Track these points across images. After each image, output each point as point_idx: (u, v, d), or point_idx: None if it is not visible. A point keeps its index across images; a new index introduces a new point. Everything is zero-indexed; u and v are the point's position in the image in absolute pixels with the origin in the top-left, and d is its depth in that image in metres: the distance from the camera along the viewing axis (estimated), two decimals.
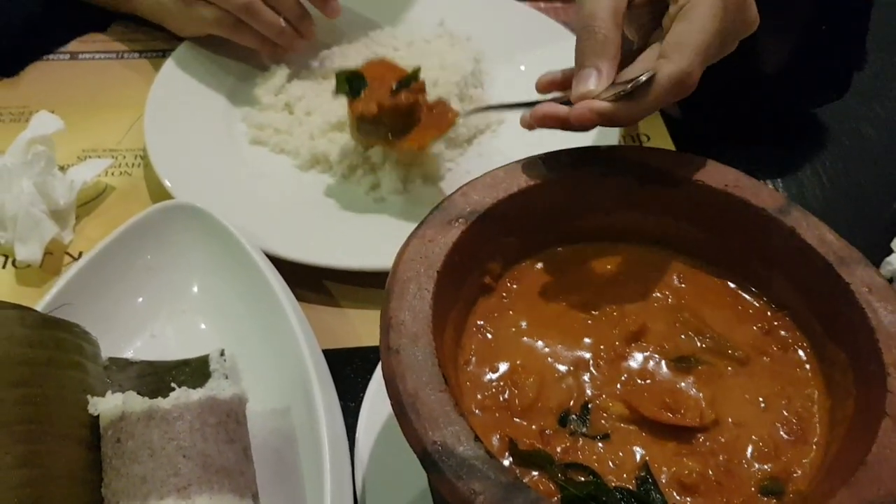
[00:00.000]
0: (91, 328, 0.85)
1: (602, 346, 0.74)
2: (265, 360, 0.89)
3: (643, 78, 0.76)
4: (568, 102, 0.79)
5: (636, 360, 0.74)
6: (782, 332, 0.77)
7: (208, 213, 0.97)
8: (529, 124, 0.83)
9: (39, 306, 0.87)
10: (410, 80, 1.07)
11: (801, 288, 0.76)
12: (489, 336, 0.75)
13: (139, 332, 0.95)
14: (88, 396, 0.78)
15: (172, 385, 0.78)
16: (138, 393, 0.77)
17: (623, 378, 0.73)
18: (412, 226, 0.74)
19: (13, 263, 1.05)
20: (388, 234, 1.05)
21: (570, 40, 1.34)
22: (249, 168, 1.17)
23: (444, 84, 1.22)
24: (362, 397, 0.87)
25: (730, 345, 0.75)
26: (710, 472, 0.66)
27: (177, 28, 1.31)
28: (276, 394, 0.87)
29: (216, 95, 1.26)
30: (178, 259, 0.98)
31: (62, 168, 1.12)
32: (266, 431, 0.84)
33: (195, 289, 0.98)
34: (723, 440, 0.69)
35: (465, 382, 0.71)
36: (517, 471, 0.65)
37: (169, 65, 1.27)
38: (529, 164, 0.79)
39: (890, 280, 0.96)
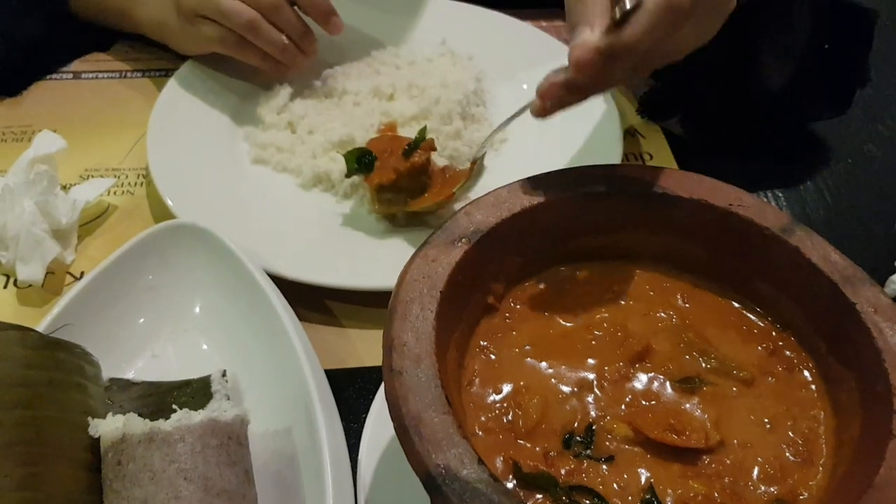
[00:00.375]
0: (92, 348, 0.85)
1: (606, 367, 0.74)
2: (267, 380, 0.89)
3: (628, 4, 0.76)
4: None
5: (640, 380, 0.74)
6: (787, 353, 0.76)
7: (210, 232, 0.96)
8: (541, 107, 0.83)
9: (41, 327, 0.87)
10: (420, 141, 1.08)
11: (806, 308, 0.75)
12: (492, 357, 0.75)
13: (140, 352, 0.94)
14: (89, 418, 0.77)
15: (174, 406, 0.77)
16: (139, 414, 0.76)
17: (627, 399, 0.72)
18: (415, 245, 0.73)
19: (15, 283, 1.05)
20: (391, 253, 1.06)
21: None
22: (252, 187, 1.17)
23: (445, 102, 1.23)
24: (364, 418, 0.87)
25: (734, 365, 0.75)
26: (716, 495, 0.66)
27: (180, 47, 1.31)
28: (278, 415, 0.86)
29: (219, 115, 1.26)
30: (180, 279, 0.97)
31: (64, 187, 1.12)
32: (268, 453, 0.84)
33: (197, 309, 0.98)
34: (728, 462, 0.68)
35: (469, 404, 0.71)
36: (521, 493, 0.65)
37: (172, 84, 1.27)
38: (532, 184, 0.79)
39: (894, 299, 0.95)
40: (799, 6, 1.12)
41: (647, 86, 1.32)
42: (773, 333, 0.78)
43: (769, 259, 0.76)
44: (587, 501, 0.65)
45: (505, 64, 1.36)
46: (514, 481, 0.66)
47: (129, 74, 1.38)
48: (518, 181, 0.79)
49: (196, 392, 0.86)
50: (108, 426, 0.76)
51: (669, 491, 0.66)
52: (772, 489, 0.67)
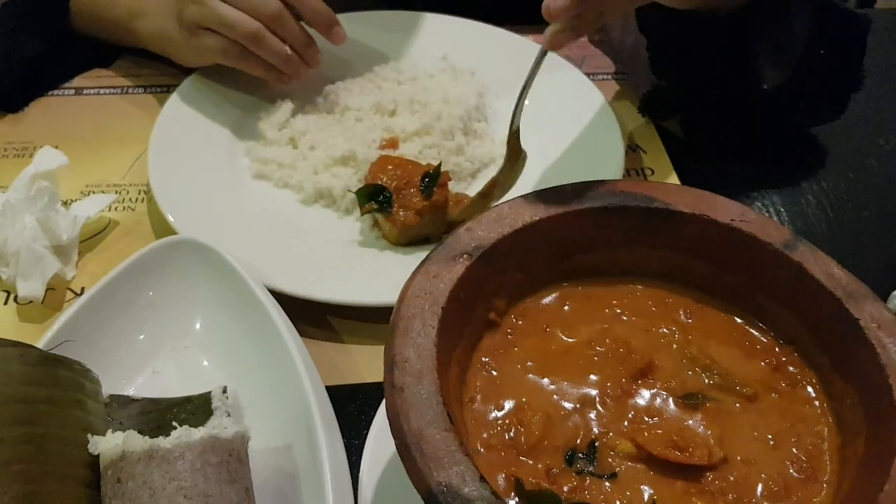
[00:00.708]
0: (92, 365, 0.85)
1: (608, 384, 0.74)
2: (268, 396, 0.89)
3: None
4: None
5: (643, 397, 0.73)
6: (790, 368, 0.76)
7: (212, 248, 0.96)
8: (551, 37, 0.93)
9: (41, 343, 0.86)
10: (436, 176, 1.09)
11: (809, 323, 0.75)
12: (494, 373, 0.74)
13: (141, 368, 0.94)
14: (89, 435, 0.77)
15: (174, 423, 0.77)
16: (140, 430, 0.76)
17: (630, 416, 0.72)
18: (416, 261, 0.73)
19: (15, 299, 1.04)
20: (392, 269, 1.05)
21: (573, 73, 1.36)
22: (253, 203, 1.17)
23: (447, 118, 1.23)
24: (366, 434, 0.86)
25: (738, 381, 0.74)
26: None
27: (182, 59, 1.32)
28: (279, 431, 0.86)
29: (220, 130, 1.26)
30: (180, 295, 0.97)
31: (65, 203, 1.12)
32: (268, 470, 0.83)
33: (198, 325, 0.97)
34: (732, 479, 0.68)
35: (470, 420, 0.70)
36: None
37: (173, 100, 1.27)
38: (534, 200, 0.79)
39: None
40: (797, 8, 1.13)
41: (649, 85, 1.32)
42: (776, 349, 0.77)
43: (772, 274, 0.76)
44: None
45: (506, 79, 1.35)
46: (517, 499, 0.65)
47: (130, 90, 1.39)
48: (520, 197, 0.79)
49: (196, 409, 0.85)
50: (108, 443, 0.75)
51: None
52: None
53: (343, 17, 1.29)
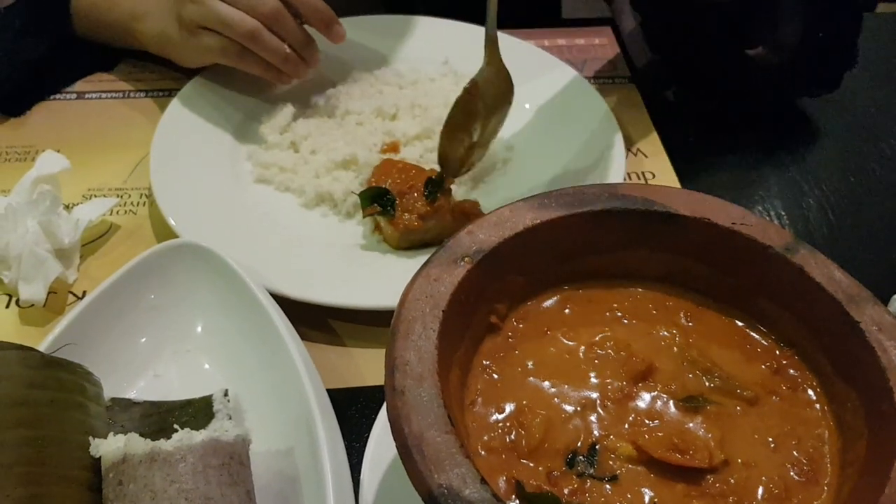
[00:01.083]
0: (94, 368, 0.85)
1: (609, 386, 0.74)
2: (269, 399, 0.89)
3: None
4: None
5: (644, 400, 0.73)
6: (791, 371, 0.76)
7: (213, 251, 0.96)
8: None
9: (42, 346, 0.86)
10: (440, 182, 1.09)
11: (810, 326, 0.75)
12: (495, 376, 0.74)
13: (142, 371, 0.94)
14: (90, 438, 0.77)
15: (175, 426, 0.77)
16: (141, 434, 0.76)
17: (631, 418, 0.72)
18: (417, 264, 0.73)
19: (17, 303, 1.05)
20: (393, 272, 1.06)
21: (574, 76, 1.36)
22: (254, 207, 1.17)
23: None
24: (367, 437, 0.86)
25: (738, 384, 0.74)
26: None
27: (182, 59, 1.32)
28: (280, 434, 0.86)
29: (221, 134, 1.26)
30: (182, 298, 0.97)
31: (67, 207, 1.12)
32: (270, 473, 0.83)
33: (199, 328, 0.97)
34: (732, 482, 0.68)
35: (471, 423, 0.70)
36: None
37: (175, 104, 1.27)
38: (535, 203, 0.79)
39: None
40: None
41: (646, 58, 1.34)
42: (777, 352, 0.77)
43: (773, 278, 0.76)
44: None
45: None
46: (517, 501, 0.65)
47: (132, 94, 1.39)
48: (521, 200, 0.79)
49: (198, 412, 0.85)
50: (110, 446, 0.75)
51: None
52: None
53: (344, 22, 1.29)
